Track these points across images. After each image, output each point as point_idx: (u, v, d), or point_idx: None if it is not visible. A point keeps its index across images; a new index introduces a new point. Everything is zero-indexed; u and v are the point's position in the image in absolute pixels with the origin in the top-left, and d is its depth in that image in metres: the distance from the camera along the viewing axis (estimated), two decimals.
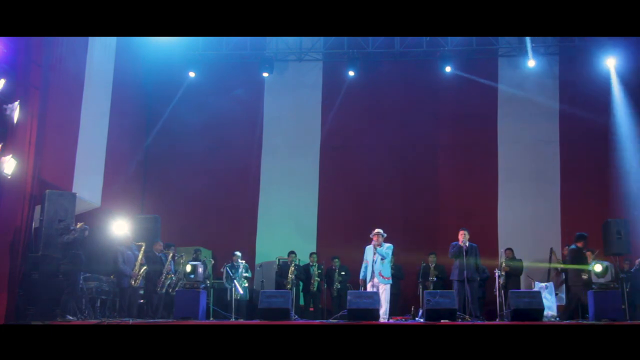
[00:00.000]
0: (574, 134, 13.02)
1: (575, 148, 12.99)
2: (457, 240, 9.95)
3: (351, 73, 13.34)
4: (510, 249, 11.47)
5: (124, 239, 10.16)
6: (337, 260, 11.66)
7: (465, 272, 9.66)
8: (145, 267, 9.99)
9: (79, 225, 8.77)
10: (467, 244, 9.82)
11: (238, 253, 11.67)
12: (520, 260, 11.45)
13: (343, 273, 11.55)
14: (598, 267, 9.23)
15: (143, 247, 10.08)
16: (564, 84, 13.26)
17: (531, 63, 12.97)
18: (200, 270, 9.25)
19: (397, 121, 13.39)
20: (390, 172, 13.29)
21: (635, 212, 11.85)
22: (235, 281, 10.92)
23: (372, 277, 9.21)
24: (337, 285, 11.48)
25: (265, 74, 13.38)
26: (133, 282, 9.79)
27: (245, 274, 11.61)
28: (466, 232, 9.92)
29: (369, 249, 9.35)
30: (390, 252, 9.45)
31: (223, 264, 11.33)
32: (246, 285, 11.43)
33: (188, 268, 9.32)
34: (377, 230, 9.39)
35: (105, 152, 11.40)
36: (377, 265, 9.21)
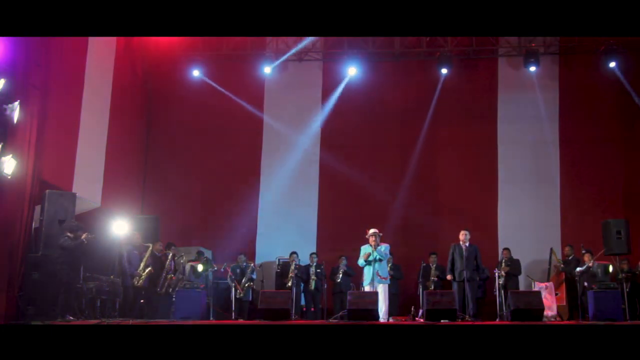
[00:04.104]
0: (574, 134, 13.02)
1: (575, 148, 12.98)
2: (458, 240, 9.97)
3: (353, 72, 13.28)
4: (507, 249, 11.48)
5: (131, 238, 10.15)
6: (343, 258, 11.62)
7: (464, 272, 9.67)
8: (149, 269, 9.98)
9: (83, 236, 8.66)
10: (466, 244, 9.82)
11: (242, 256, 11.71)
12: (517, 260, 11.45)
13: (342, 272, 11.54)
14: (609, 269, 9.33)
15: (150, 248, 10.09)
16: (564, 84, 13.25)
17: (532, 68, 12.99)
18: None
19: (397, 121, 13.38)
20: (390, 172, 13.28)
21: None
22: (235, 282, 10.95)
23: (372, 278, 9.21)
24: (338, 279, 11.48)
25: (267, 69, 13.33)
26: (136, 282, 9.79)
27: (250, 275, 11.62)
28: (467, 233, 9.93)
29: (368, 249, 9.32)
30: (388, 252, 9.45)
31: (223, 264, 11.32)
32: (247, 286, 11.39)
33: (200, 267, 9.85)
34: (373, 230, 9.32)
35: (105, 152, 11.38)
36: (375, 265, 9.20)
